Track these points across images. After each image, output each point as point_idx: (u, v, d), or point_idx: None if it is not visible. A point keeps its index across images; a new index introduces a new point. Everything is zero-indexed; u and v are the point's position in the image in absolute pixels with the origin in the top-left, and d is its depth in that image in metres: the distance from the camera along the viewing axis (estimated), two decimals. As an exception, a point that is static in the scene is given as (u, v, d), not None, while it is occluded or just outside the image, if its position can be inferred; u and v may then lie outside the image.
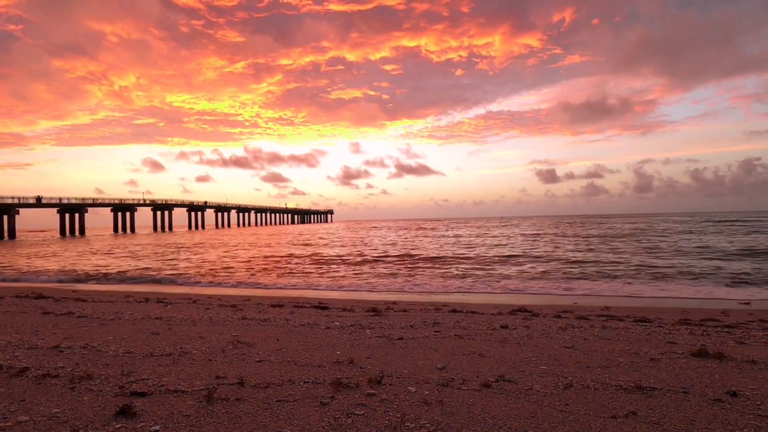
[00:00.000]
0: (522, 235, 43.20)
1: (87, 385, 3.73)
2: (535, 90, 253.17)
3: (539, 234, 43.54)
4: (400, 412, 3.18)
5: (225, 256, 26.07)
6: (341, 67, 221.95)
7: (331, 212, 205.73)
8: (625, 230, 45.87)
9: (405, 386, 3.72)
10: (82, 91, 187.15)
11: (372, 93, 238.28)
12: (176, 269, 19.84)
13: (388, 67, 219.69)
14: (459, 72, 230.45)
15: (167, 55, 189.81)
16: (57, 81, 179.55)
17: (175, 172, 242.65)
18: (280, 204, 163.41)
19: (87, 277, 17.58)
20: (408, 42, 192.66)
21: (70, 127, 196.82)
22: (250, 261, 23.06)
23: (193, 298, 10.39)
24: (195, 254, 28.15)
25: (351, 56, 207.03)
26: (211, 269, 19.49)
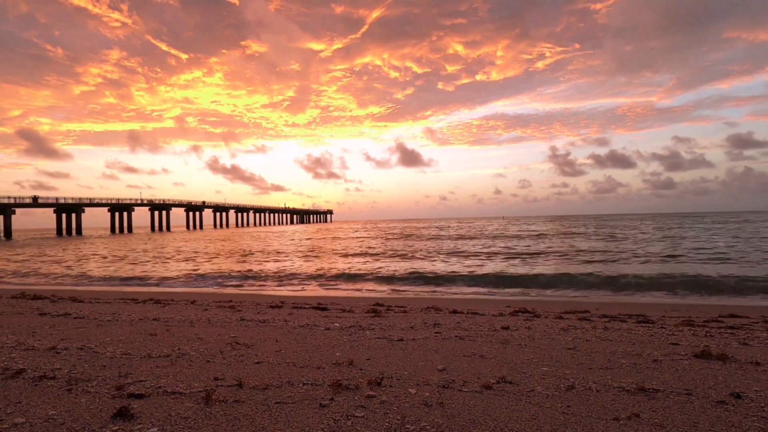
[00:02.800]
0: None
1: (84, 386, 3.69)
2: (538, 93, 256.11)
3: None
4: (400, 414, 3.14)
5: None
6: (347, 72, 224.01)
7: (330, 212, 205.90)
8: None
9: (405, 388, 3.69)
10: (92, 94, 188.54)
11: (376, 96, 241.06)
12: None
13: (393, 74, 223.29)
14: (464, 75, 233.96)
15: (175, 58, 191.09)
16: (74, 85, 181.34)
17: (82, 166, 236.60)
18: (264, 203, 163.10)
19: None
20: (412, 47, 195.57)
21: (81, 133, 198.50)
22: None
23: (192, 299, 10.35)
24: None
25: (358, 61, 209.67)
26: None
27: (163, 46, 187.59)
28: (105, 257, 27.76)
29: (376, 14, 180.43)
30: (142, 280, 17.54)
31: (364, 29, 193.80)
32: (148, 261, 24.85)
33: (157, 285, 16.08)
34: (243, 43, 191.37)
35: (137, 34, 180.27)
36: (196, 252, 30.40)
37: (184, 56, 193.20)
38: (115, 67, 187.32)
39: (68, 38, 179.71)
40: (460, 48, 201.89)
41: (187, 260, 24.63)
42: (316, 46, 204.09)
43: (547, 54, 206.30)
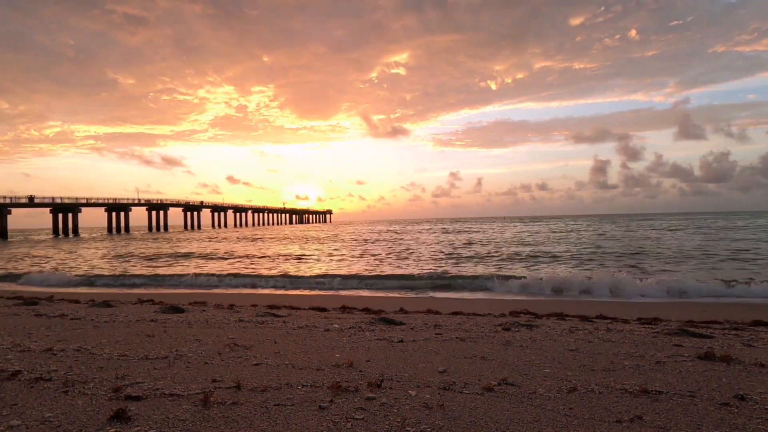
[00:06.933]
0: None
1: (81, 388, 3.65)
2: (541, 97, 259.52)
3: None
4: (400, 416, 3.11)
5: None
6: (358, 77, 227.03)
7: (329, 212, 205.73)
8: None
9: (405, 390, 3.65)
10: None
11: (383, 98, 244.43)
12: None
13: (400, 82, 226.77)
14: (470, 80, 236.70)
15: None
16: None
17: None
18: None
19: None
20: (420, 55, 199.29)
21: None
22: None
23: (190, 300, 10.30)
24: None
25: (376, 70, 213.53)
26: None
27: (182, 56, 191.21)
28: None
29: (397, 24, 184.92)
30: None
31: (378, 39, 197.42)
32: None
33: (155, 285, 16.02)
34: (259, 51, 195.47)
35: (159, 42, 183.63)
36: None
37: (201, 65, 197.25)
38: (137, 73, 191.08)
39: (96, 47, 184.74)
40: (466, 58, 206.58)
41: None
42: (330, 54, 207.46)
43: (549, 63, 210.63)
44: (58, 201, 75.59)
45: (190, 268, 21.62)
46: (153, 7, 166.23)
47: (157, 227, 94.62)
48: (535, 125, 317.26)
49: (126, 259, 27.92)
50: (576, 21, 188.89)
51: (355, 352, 4.92)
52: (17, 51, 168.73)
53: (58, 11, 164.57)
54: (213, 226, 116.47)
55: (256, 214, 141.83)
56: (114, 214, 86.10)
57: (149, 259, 27.69)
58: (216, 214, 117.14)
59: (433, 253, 26.95)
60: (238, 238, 46.62)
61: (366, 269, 19.33)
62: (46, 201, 73.82)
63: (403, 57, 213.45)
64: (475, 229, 63.05)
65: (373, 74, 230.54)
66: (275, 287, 15.26)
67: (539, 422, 3.01)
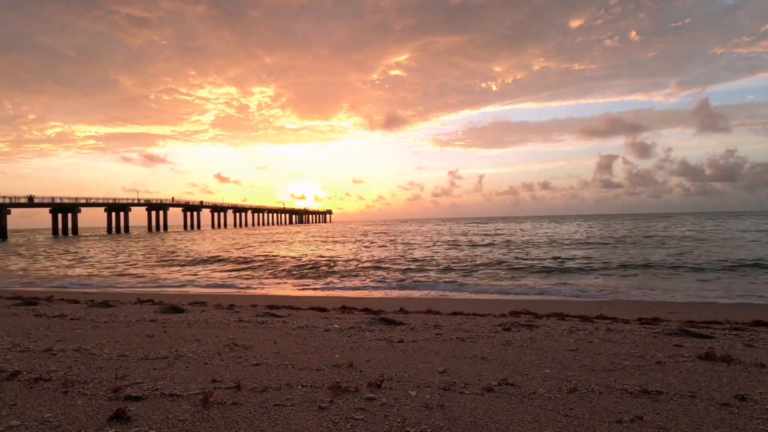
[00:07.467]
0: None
1: (80, 389, 3.64)
2: (541, 97, 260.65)
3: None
4: (400, 416, 3.10)
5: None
6: (360, 78, 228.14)
7: (329, 212, 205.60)
8: None
9: (405, 390, 3.65)
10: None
11: (384, 99, 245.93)
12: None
13: (401, 82, 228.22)
14: (469, 80, 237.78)
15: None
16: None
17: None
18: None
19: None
20: (421, 57, 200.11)
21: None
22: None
23: (189, 300, 10.29)
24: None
25: (363, 67, 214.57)
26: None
27: (184, 57, 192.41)
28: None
29: (398, 26, 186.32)
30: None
31: (379, 40, 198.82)
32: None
33: (153, 285, 16.02)
34: (260, 52, 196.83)
35: (161, 43, 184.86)
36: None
37: (203, 65, 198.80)
38: (138, 74, 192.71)
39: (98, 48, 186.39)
40: (466, 59, 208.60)
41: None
42: (332, 55, 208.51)
43: (549, 64, 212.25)
44: (58, 201, 75.47)
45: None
46: (155, 8, 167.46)
47: (157, 227, 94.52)
48: (535, 125, 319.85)
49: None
50: (576, 23, 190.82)
51: (355, 353, 4.91)
52: (19, 52, 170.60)
53: (60, 12, 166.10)
54: (213, 226, 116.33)
55: (255, 214, 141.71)
56: (114, 214, 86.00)
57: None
58: (216, 214, 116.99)
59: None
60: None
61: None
62: (46, 201, 73.70)
63: (403, 58, 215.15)
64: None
65: (374, 75, 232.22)
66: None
67: (539, 422, 3.00)
